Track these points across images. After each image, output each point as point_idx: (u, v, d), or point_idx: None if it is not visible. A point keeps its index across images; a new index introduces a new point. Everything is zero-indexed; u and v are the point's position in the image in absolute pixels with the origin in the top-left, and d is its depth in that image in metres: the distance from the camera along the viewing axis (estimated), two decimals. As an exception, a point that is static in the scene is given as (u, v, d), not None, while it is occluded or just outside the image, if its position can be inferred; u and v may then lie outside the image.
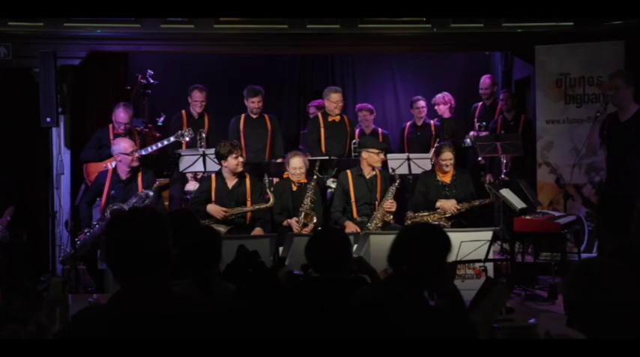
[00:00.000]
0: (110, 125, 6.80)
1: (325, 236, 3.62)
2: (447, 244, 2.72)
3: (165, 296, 2.22)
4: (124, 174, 6.13)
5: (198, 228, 4.20)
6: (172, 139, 6.78)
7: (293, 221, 6.18)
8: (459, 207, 6.28)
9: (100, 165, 6.66)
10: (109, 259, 2.25)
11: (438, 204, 6.33)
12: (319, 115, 7.43)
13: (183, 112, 7.32)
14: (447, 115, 8.02)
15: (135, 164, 6.10)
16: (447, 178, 6.46)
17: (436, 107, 8.05)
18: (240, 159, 6.12)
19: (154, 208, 5.77)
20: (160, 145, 6.75)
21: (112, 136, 6.71)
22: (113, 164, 6.34)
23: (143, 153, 6.52)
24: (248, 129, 7.24)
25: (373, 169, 6.43)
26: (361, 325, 2.48)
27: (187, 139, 6.84)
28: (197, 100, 7.28)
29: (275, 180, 6.77)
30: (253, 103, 7.17)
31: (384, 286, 2.82)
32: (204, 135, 7.09)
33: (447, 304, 2.89)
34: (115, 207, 5.88)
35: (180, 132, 6.79)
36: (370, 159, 6.38)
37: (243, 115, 7.28)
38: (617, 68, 6.52)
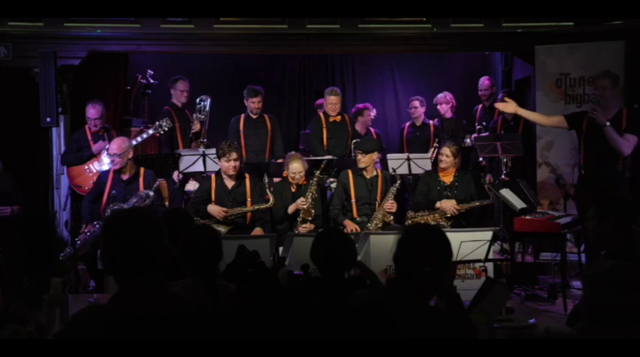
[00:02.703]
0: (86, 126, 6.84)
1: (331, 237, 3.61)
2: (450, 244, 2.72)
3: (164, 296, 2.22)
4: (124, 174, 6.14)
5: (199, 227, 4.21)
6: (151, 131, 6.80)
7: (299, 202, 6.18)
8: (458, 207, 6.28)
9: (82, 168, 6.68)
10: (106, 258, 2.24)
11: (438, 205, 6.33)
12: (321, 114, 7.43)
13: (168, 107, 7.27)
14: (448, 114, 8.02)
15: (116, 167, 6.07)
16: (448, 179, 6.46)
17: (438, 106, 8.05)
18: (233, 163, 6.04)
19: (151, 207, 5.79)
20: (139, 139, 6.71)
21: (89, 136, 6.79)
22: (95, 165, 6.41)
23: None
24: (248, 129, 7.22)
25: (375, 169, 6.44)
26: (361, 325, 2.48)
27: (166, 129, 6.84)
28: (182, 89, 7.28)
29: (275, 180, 6.77)
30: (253, 103, 7.15)
31: (389, 288, 2.79)
32: (198, 125, 7.15)
33: (445, 304, 2.89)
34: (115, 207, 5.88)
35: (157, 123, 6.81)
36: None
37: (242, 116, 7.27)
38: (618, 68, 6.53)
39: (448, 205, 6.29)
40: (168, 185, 6.90)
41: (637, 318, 2.09)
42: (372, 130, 7.94)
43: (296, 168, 6.28)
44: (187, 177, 7.04)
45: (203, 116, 7.16)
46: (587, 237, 5.16)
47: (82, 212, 6.31)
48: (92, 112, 6.77)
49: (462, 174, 6.53)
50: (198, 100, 7.27)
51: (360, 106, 8.11)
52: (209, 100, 7.28)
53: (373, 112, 8.06)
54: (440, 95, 8.09)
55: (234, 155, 6.05)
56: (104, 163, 6.58)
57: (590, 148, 5.94)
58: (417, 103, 7.96)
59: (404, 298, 2.52)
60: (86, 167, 6.69)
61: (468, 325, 2.56)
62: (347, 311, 2.64)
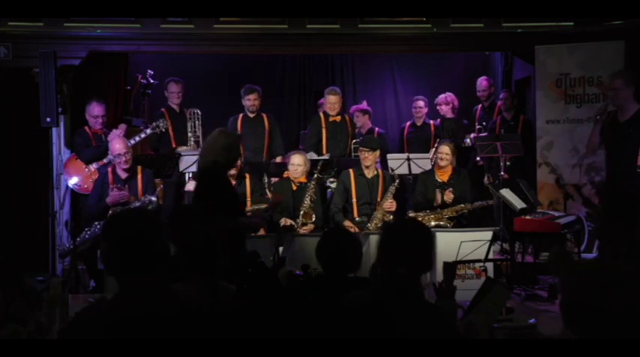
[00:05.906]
0: (85, 127, 6.85)
1: (339, 236, 3.61)
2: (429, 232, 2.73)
3: (165, 295, 2.23)
4: (122, 173, 6.14)
5: (200, 227, 4.19)
6: (149, 131, 6.82)
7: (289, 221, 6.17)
8: (462, 206, 6.30)
9: (80, 167, 6.67)
10: (106, 258, 2.25)
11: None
12: (321, 114, 7.42)
13: (164, 109, 7.24)
14: (449, 115, 8.01)
15: (124, 166, 6.09)
16: (444, 177, 6.49)
17: (438, 107, 8.05)
18: None
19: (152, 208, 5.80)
20: (137, 138, 6.71)
21: (90, 136, 6.79)
22: (93, 165, 6.42)
23: None
24: (246, 128, 7.19)
25: (375, 169, 6.45)
26: (359, 325, 2.48)
27: (163, 130, 6.87)
28: (173, 91, 7.25)
29: (274, 180, 6.76)
30: (249, 101, 7.13)
31: (378, 289, 2.80)
32: (197, 131, 7.09)
33: (448, 304, 2.89)
34: (117, 210, 5.88)
35: (154, 124, 6.84)
36: (361, 156, 6.41)
37: (240, 115, 7.23)
38: (617, 68, 6.52)
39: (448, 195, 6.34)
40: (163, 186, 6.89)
41: (618, 318, 2.07)
42: (375, 129, 7.94)
43: (296, 160, 6.30)
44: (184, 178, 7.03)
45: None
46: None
47: (87, 212, 6.30)
48: (98, 109, 6.77)
49: (457, 172, 6.56)
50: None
51: (352, 110, 8.11)
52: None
53: (365, 117, 8.01)
54: (441, 96, 8.08)
55: None
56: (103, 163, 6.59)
57: (610, 148, 5.90)
58: (422, 104, 7.95)
59: (392, 297, 2.52)
60: (85, 167, 6.69)
61: (457, 321, 2.57)
62: (345, 311, 2.64)
